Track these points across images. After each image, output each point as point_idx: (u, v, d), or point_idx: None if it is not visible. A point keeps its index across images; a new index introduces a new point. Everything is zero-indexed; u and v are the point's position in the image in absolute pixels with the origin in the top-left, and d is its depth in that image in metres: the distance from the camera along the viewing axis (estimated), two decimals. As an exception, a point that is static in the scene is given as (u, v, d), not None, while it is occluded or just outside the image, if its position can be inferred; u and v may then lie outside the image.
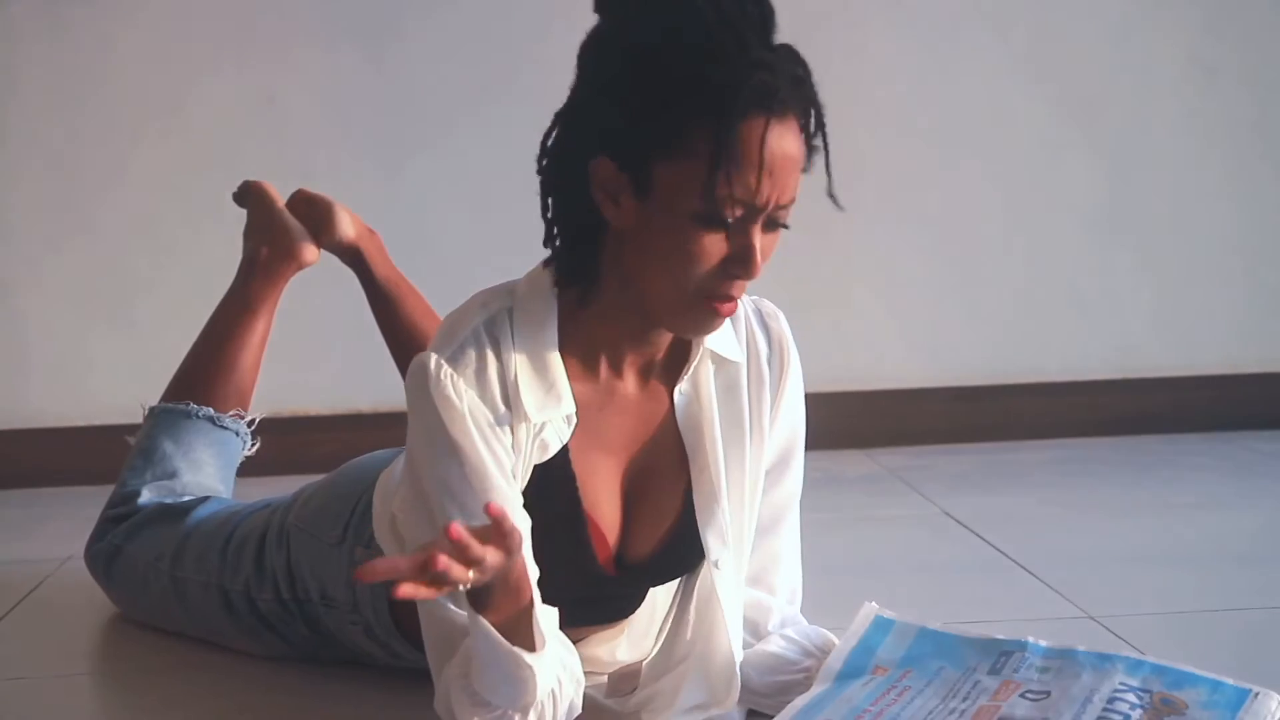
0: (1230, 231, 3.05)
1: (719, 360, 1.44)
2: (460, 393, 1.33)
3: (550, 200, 1.36)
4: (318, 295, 2.77)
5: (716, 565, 1.44)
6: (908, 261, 2.95)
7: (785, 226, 1.30)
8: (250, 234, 2.11)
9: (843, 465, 2.77)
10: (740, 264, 1.28)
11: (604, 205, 1.31)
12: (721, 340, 1.43)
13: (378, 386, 2.77)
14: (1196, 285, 3.05)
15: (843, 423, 2.82)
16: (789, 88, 1.25)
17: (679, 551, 1.47)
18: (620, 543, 1.46)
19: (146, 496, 1.91)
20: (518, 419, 1.35)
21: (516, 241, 2.91)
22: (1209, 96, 3.02)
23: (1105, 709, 1.33)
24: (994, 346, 3.03)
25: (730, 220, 1.26)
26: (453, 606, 1.34)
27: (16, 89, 2.84)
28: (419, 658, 1.58)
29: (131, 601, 1.90)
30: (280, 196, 2.12)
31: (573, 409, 1.38)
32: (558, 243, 1.37)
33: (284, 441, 2.60)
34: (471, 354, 1.34)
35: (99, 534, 1.92)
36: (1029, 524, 2.34)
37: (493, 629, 1.25)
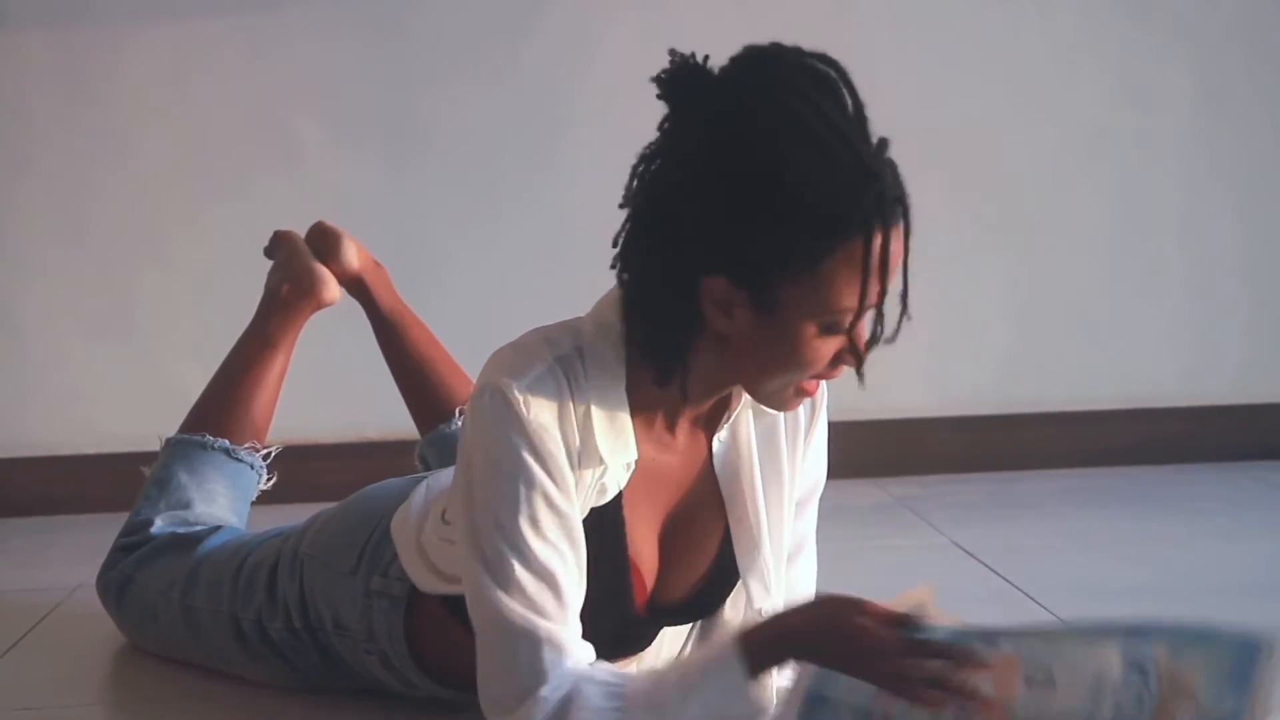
0: (1240, 260, 3.05)
1: (758, 410, 1.46)
2: (547, 423, 1.33)
3: (644, 298, 1.35)
4: (326, 325, 2.76)
5: (761, 613, 1.45)
6: (915, 291, 2.94)
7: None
8: (274, 271, 2.16)
9: (852, 495, 2.77)
10: (848, 359, 1.33)
11: (713, 318, 1.31)
12: None
13: (386, 415, 2.77)
14: (1205, 314, 3.05)
15: (852, 452, 2.79)
16: (896, 190, 1.27)
17: (709, 595, 1.49)
18: (655, 586, 1.47)
19: (159, 526, 1.91)
20: (587, 460, 1.35)
21: (526, 257, 2.93)
22: (1217, 122, 3.02)
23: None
24: (1002, 376, 3.03)
25: (845, 326, 1.30)
26: (529, 613, 1.32)
27: (25, 116, 2.85)
28: (434, 688, 1.57)
29: (142, 630, 1.90)
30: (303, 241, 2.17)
31: (635, 457, 1.38)
32: (645, 328, 1.36)
33: (293, 470, 2.59)
34: (551, 387, 1.34)
35: (110, 563, 1.92)
36: (1038, 555, 2.33)
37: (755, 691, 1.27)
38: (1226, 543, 2.41)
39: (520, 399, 1.32)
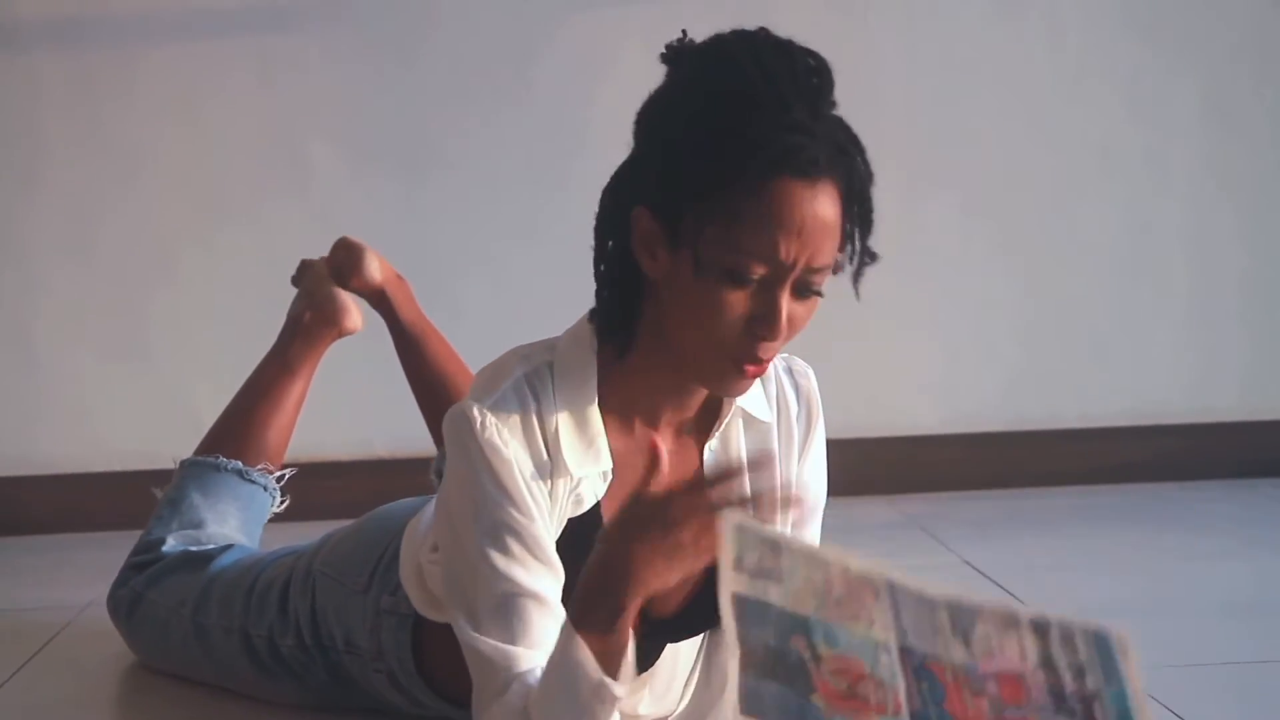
0: (1248, 277, 3.05)
1: (749, 419, 1.45)
2: (505, 440, 1.33)
3: (595, 260, 1.37)
4: (337, 343, 2.78)
5: None
6: (925, 308, 2.95)
7: (818, 294, 1.30)
8: (298, 299, 2.19)
9: (862, 511, 2.77)
10: (763, 324, 1.27)
11: (642, 257, 1.31)
12: (752, 400, 1.44)
13: (395, 432, 2.79)
14: (1215, 331, 3.05)
15: (862, 469, 2.82)
16: (827, 153, 1.25)
17: (703, 608, 1.46)
18: (646, 601, 1.45)
19: (171, 545, 1.92)
20: (558, 473, 1.35)
21: (538, 279, 2.94)
22: (1224, 140, 3.02)
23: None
24: (1011, 393, 3.03)
25: (754, 279, 1.26)
26: (494, 641, 1.32)
27: (37, 136, 2.86)
28: (443, 707, 1.57)
29: (152, 648, 1.90)
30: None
31: (610, 466, 1.38)
32: (598, 295, 1.37)
33: (303, 487, 2.60)
34: (514, 403, 1.35)
35: (121, 580, 1.93)
36: (1048, 572, 2.33)
37: (589, 654, 1.23)
38: (1234, 560, 2.40)
39: (478, 419, 1.33)
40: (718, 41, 1.32)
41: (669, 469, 1.41)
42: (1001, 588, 2.22)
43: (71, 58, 2.86)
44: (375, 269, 2.16)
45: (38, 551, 2.73)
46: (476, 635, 1.32)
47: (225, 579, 1.80)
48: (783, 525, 1.45)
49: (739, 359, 1.30)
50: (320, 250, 2.19)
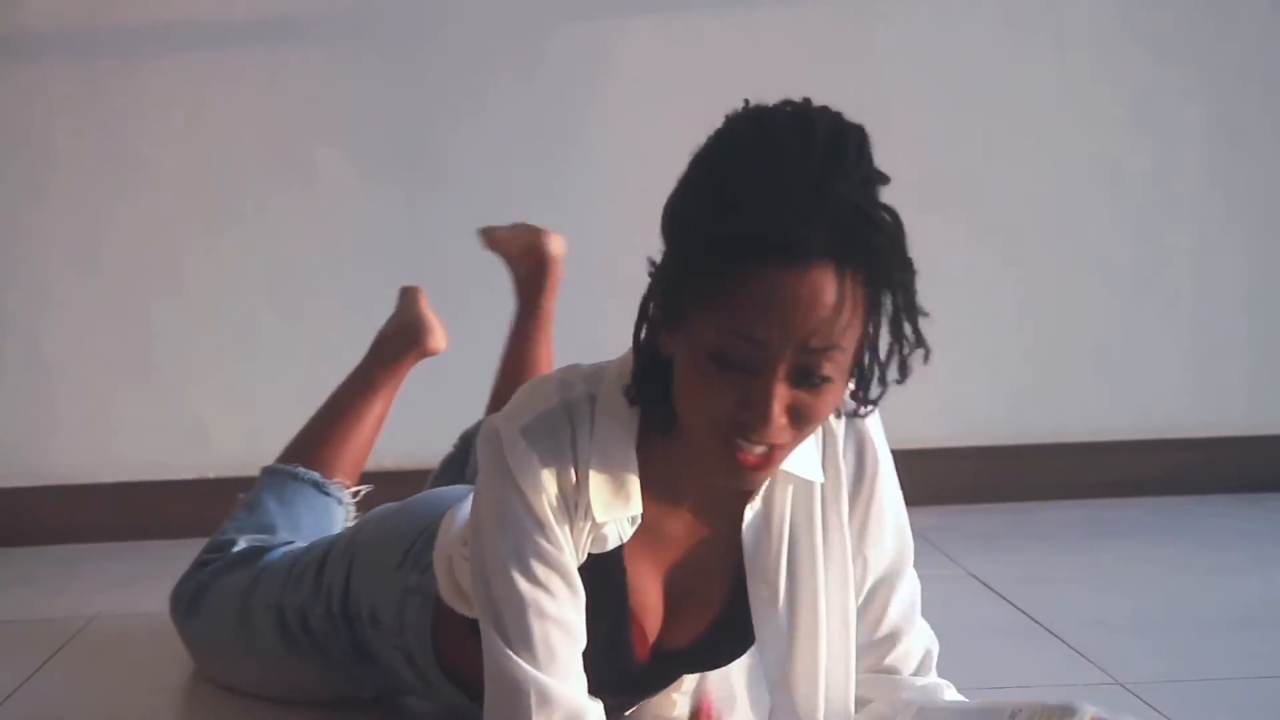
0: (1256, 292, 3.05)
1: (795, 479, 1.40)
2: (534, 466, 1.32)
3: (635, 325, 1.34)
4: (344, 359, 2.78)
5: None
6: (932, 321, 2.94)
7: (827, 380, 1.22)
8: (389, 320, 2.24)
9: (867, 526, 2.77)
10: (747, 408, 1.22)
11: (660, 337, 1.29)
12: (799, 458, 1.37)
13: (401, 445, 2.78)
14: (1222, 346, 3.06)
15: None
16: (823, 235, 1.18)
17: (718, 645, 1.47)
18: (660, 633, 1.45)
19: (241, 546, 1.94)
20: (579, 514, 1.33)
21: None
22: (1232, 157, 3.03)
23: None
24: (1018, 406, 3.03)
25: (738, 361, 1.21)
26: (524, 664, 1.32)
27: (44, 146, 2.87)
28: (453, 691, 1.58)
29: (202, 643, 1.92)
30: (426, 297, 2.26)
31: (639, 511, 1.36)
32: (635, 371, 1.34)
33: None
34: (547, 432, 1.32)
35: (188, 575, 1.95)
36: (1054, 586, 2.33)
37: None
38: (1241, 574, 2.40)
39: (509, 442, 1.32)
40: (731, 117, 1.26)
41: (704, 527, 1.41)
42: (1008, 601, 2.22)
43: (79, 67, 2.87)
44: (558, 244, 2.32)
45: (46, 562, 2.73)
46: (508, 652, 1.32)
47: (275, 563, 1.84)
48: (832, 584, 1.42)
49: (732, 449, 1.25)
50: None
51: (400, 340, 2.19)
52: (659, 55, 2.88)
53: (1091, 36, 2.99)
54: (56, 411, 2.91)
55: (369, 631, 1.66)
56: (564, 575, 1.33)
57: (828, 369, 1.22)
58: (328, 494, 2.04)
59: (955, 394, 3.00)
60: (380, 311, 2.96)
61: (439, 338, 2.20)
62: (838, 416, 1.39)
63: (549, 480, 1.32)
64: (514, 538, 1.32)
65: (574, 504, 1.33)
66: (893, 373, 1.29)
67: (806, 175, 1.19)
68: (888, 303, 1.24)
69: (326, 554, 1.75)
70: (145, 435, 2.89)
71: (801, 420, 1.24)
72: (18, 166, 2.87)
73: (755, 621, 1.42)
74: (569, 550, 1.34)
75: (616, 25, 2.90)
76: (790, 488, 1.40)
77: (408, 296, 2.26)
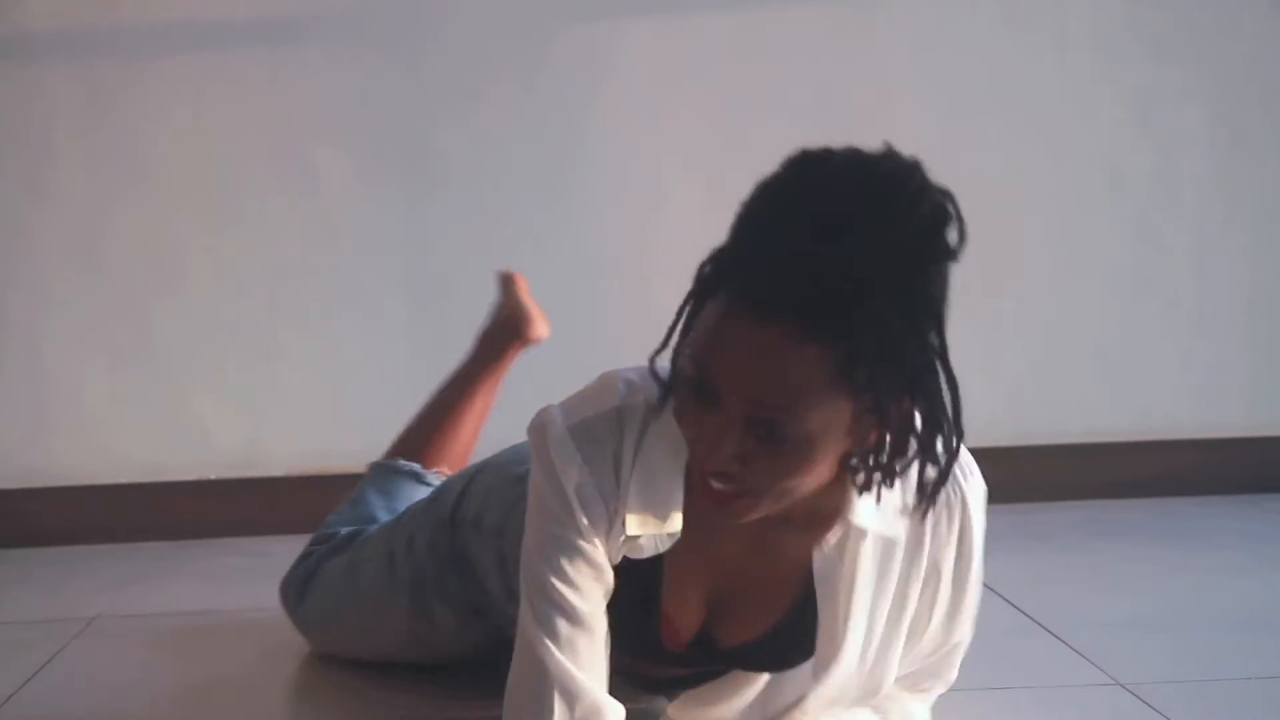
0: (1256, 293, 3.05)
1: (873, 533, 1.35)
2: (576, 467, 1.32)
3: None
4: (345, 360, 2.80)
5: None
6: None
7: (781, 441, 1.19)
8: (491, 313, 2.26)
9: (867, 526, 2.76)
10: (700, 438, 1.23)
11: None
12: (878, 511, 1.34)
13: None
14: (1222, 347, 3.05)
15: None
16: (797, 299, 1.15)
17: (776, 648, 1.44)
18: (707, 626, 1.44)
19: (343, 534, 1.97)
20: (617, 522, 1.33)
21: (542, 282, 2.94)
22: (1234, 158, 3.03)
23: None
24: (1017, 408, 3.03)
25: (691, 386, 1.22)
26: (552, 647, 1.34)
27: (45, 147, 2.87)
28: None
29: (317, 623, 1.94)
30: (526, 285, 2.28)
31: (678, 529, 1.34)
32: None
33: (313, 497, 2.62)
34: (595, 435, 1.33)
35: (294, 568, 1.98)
36: (1054, 587, 2.33)
37: None
38: (1240, 576, 2.40)
39: (557, 439, 1.33)
40: (794, 154, 1.22)
41: (765, 550, 1.39)
42: (1008, 602, 2.22)
43: (79, 67, 2.87)
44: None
45: (45, 562, 2.73)
46: (539, 633, 1.34)
47: (381, 527, 1.89)
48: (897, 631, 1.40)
49: (702, 477, 1.25)
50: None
51: (504, 332, 2.21)
52: (660, 56, 2.88)
53: (1092, 36, 2.99)
54: (56, 412, 2.91)
55: (469, 534, 1.68)
56: (596, 573, 1.35)
57: (784, 428, 1.19)
58: (427, 483, 2.06)
59: (955, 395, 3.00)
60: (381, 311, 2.98)
61: (540, 326, 2.22)
62: (942, 484, 1.29)
63: (587, 485, 1.32)
64: (552, 530, 1.34)
65: (612, 511, 1.33)
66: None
67: (808, 234, 1.15)
68: (879, 381, 1.19)
69: (451, 480, 1.80)
70: (145, 435, 2.89)
71: (757, 470, 1.22)
72: (18, 167, 2.87)
73: (819, 654, 1.40)
74: (603, 551, 1.34)
75: (617, 26, 2.90)
76: (865, 541, 1.35)
77: (507, 286, 2.27)
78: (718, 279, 1.20)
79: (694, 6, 2.89)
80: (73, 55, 2.87)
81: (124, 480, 2.87)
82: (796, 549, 1.38)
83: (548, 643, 1.34)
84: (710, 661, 1.48)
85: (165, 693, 1.89)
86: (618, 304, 2.82)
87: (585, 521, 1.33)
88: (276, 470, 2.89)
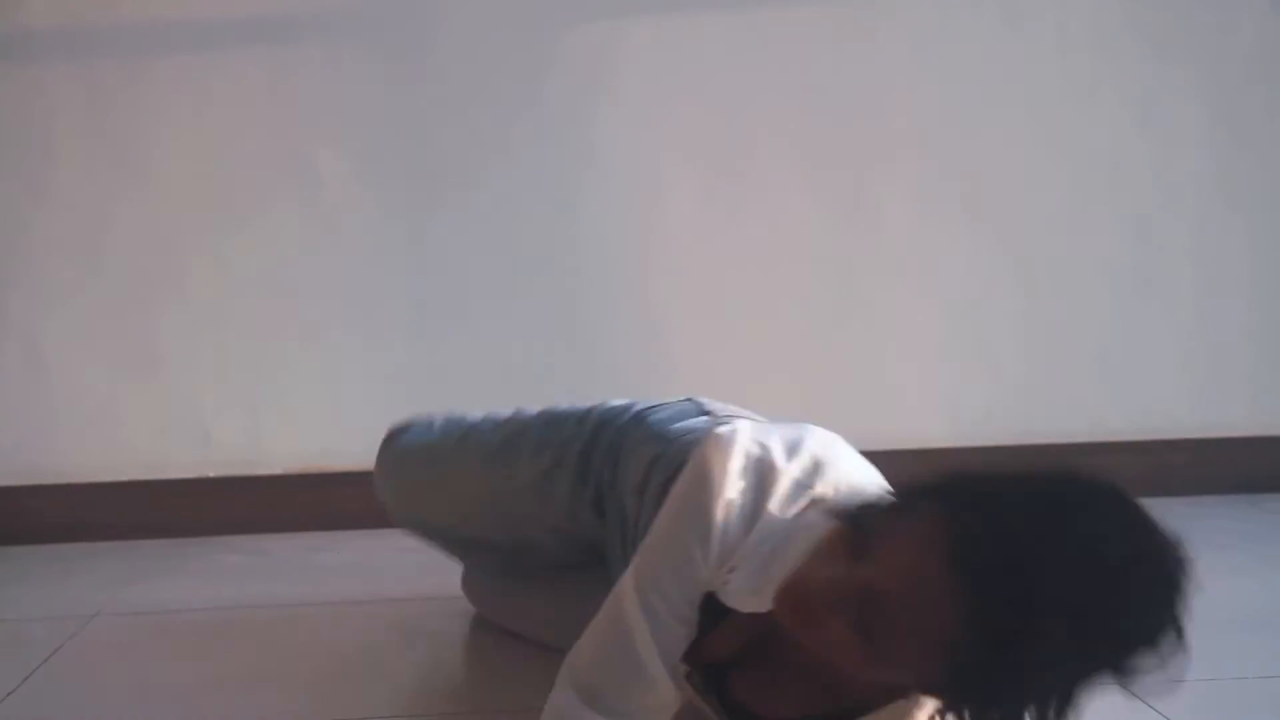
0: (1257, 291, 3.05)
1: None
2: (729, 498, 1.36)
3: None
4: (343, 361, 2.80)
5: None
6: (931, 320, 2.96)
7: (874, 651, 1.23)
8: None
9: (867, 525, 2.76)
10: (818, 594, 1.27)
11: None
12: None
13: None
14: (1221, 347, 3.06)
15: (867, 483, 2.82)
16: (971, 585, 1.19)
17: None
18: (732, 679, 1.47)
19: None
20: (728, 563, 1.37)
21: (544, 285, 2.94)
22: (1234, 155, 3.03)
23: None
24: (1018, 406, 3.03)
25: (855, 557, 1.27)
26: (645, 623, 1.37)
27: (47, 148, 2.87)
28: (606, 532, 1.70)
29: (416, 453, 1.97)
30: None
31: (765, 609, 1.33)
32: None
33: (313, 497, 2.62)
34: (759, 482, 1.37)
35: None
36: (1054, 586, 2.33)
37: None
38: (1242, 575, 2.40)
39: (738, 459, 1.37)
40: (1048, 473, 1.28)
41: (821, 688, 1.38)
42: (1008, 602, 2.22)
43: (80, 67, 2.87)
44: None
45: (46, 560, 2.73)
46: (637, 601, 1.37)
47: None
48: None
49: (806, 592, 1.30)
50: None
51: None
52: (663, 57, 2.88)
53: (1092, 35, 2.99)
54: (57, 411, 2.91)
55: (638, 435, 1.71)
56: (693, 589, 1.37)
57: (888, 653, 1.21)
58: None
59: (954, 394, 3.01)
60: (381, 311, 2.98)
61: None
62: None
63: (732, 520, 1.36)
64: (680, 532, 1.37)
65: (729, 552, 1.36)
66: None
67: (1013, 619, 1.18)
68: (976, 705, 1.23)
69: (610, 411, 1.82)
70: (146, 435, 2.89)
71: (850, 649, 1.23)
72: (18, 166, 2.87)
73: None
74: (708, 574, 1.37)
75: (620, 27, 2.90)
76: None
77: None
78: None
79: (694, 6, 2.90)
80: (73, 54, 2.87)
81: (125, 478, 2.88)
82: (848, 701, 1.38)
83: (640, 615, 1.36)
84: (706, 693, 1.49)
85: (165, 690, 1.89)
86: (618, 304, 2.82)
87: (713, 545, 1.36)
88: (276, 469, 2.89)
